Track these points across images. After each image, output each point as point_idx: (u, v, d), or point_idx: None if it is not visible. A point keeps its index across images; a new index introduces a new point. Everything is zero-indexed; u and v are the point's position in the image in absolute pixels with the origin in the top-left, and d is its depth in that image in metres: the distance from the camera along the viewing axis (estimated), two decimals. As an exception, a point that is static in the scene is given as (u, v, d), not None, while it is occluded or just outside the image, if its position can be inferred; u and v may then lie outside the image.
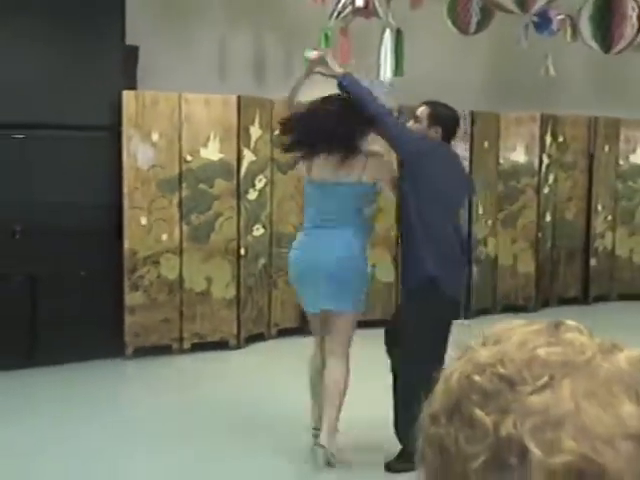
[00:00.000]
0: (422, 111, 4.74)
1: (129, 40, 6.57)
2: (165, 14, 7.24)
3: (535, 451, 0.67)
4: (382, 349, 4.72)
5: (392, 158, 4.94)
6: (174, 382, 6.25)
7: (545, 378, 0.70)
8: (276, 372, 6.49)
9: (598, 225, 9.31)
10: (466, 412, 0.71)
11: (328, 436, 4.50)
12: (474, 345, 0.78)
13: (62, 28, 6.31)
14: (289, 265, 4.76)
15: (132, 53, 6.67)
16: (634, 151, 9.47)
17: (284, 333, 7.49)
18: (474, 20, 6.01)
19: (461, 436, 0.71)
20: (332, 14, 6.13)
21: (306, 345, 7.23)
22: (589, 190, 9.20)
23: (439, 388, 0.77)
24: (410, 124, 4.74)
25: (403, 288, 4.91)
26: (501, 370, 0.72)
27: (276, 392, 5.92)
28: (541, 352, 0.72)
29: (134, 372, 6.59)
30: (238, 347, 7.07)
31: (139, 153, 6.55)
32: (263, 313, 7.34)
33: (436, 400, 0.76)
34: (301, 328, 7.56)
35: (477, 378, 0.72)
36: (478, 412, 0.70)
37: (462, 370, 0.75)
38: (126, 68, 6.56)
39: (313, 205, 4.67)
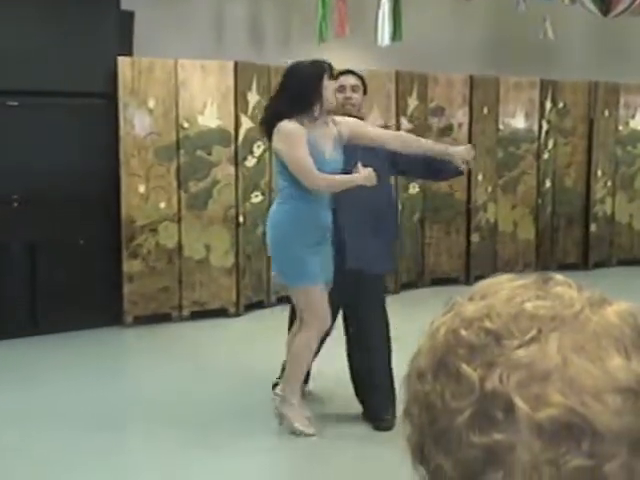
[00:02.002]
0: (356, 82, 4.82)
1: (124, 5, 6.49)
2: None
3: (521, 405, 0.67)
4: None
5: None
6: (174, 350, 6.24)
7: (533, 332, 0.69)
8: (275, 339, 6.48)
9: (598, 191, 9.28)
10: (452, 367, 0.71)
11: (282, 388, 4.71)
12: (460, 300, 0.77)
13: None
14: None
15: (127, 19, 6.60)
16: (634, 116, 9.42)
17: (283, 301, 7.47)
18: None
19: (447, 391, 0.71)
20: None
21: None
22: (589, 156, 9.16)
23: (425, 344, 0.76)
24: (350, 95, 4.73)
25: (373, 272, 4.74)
26: (488, 324, 0.71)
27: (275, 359, 5.92)
28: (529, 306, 0.72)
29: (133, 340, 6.58)
30: (237, 315, 7.07)
31: (136, 120, 6.50)
32: (262, 280, 7.33)
33: (422, 356, 0.75)
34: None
35: (464, 332, 0.72)
36: (464, 367, 0.70)
37: (449, 325, 0.74)
38: (121, 34, 6.49)
39: None
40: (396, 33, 6.25)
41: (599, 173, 9.25)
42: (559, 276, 0.77)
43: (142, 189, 6.57)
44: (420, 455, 0.75)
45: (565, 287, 0.74)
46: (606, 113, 9.19)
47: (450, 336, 0.73)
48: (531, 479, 0.67)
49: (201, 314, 6.93)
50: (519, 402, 0.67)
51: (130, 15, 6.64)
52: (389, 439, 4.30)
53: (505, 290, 0.74)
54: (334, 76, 4.43)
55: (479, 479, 0.69)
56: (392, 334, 4.77)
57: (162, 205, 6.67)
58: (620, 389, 0.67)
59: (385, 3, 6.09)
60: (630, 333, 0.70)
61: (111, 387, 5.45)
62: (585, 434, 0.66)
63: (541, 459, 0.67)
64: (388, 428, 4.48)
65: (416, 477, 0.76)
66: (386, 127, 6.82)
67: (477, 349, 0.70)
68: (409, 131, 7.71)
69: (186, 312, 6.88)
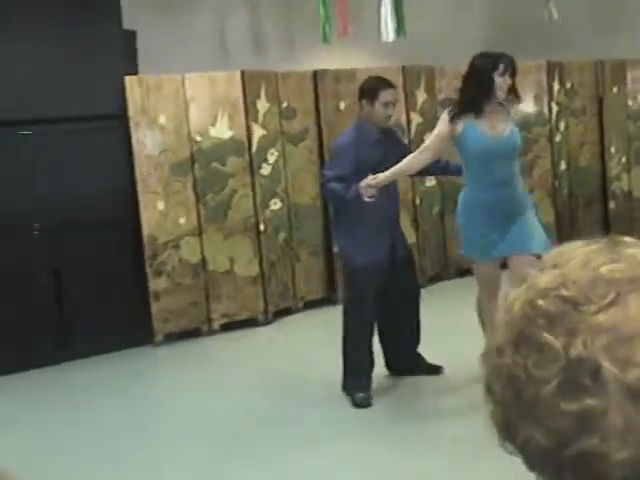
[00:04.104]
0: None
1: (126, 25, 6.50)
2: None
3: (610, 368, 0.67)
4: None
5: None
6: (207, 365, 6.23)
7: (611, 295, 0.69)
8: (306, 344, 6.49)
9: (613, 168, 9.23)
10: (533, 338, 0.71)
11: None
12: (532, 273, 0.76)
13: (59, 20, 6.24)
14: None
15: (130, 38, 6.61)
16: (642, 91, 9.37)
17: (310, 305, 7.47)
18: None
19: (530, 362, 0.70)
20: (329, -22, 6.05)
21: (334, 315, 7.26)
22: (601, 134, 9.11)
23: (501, 319, 0.76)
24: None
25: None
26: (564, 292, 0.71)
27: (309, 365, 5.91)
28: (604, 270, 0.71)
29: (165, 358, 6.57)
30: (267, 323, 7.07)
31: (148, 139, 6.51)
32: (288, 287, 7.32)
33: (499, 331, 0.75)
34: (327, 299, 7.57)
35: (541, 302, 0.72)
36: (546, 336, 0.70)
37: (525, 297, 0.74)
38: (126, 54, 6.50)
39: None
40: (400, 28, 6.22)
41: (613, 150, 9.20)
42: (629, 238, 0.77)
43: (161, 206, 6.57)
44: (506, 431, 0.74)
45: (637, 248, 0.74)
46: (614, 90, 9.14)
47: (527, 308, 0.73)
48: (627, 441, 0.66)
49: (231, 325, 6.92)
50: (607, 365, 0.67)
51: (132, 34, 6.65)
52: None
53: (578, 257, 0.74)
54: None
55: (574, 446, 0.68)
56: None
57: (182, 220, 6.67)
58: None
59: (387, -1, 6.07)
60: None
61: (147, 407, 5.44)
62: None
63: (636, 420, 0.66)
64: None
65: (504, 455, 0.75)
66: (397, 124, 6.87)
67: (556, 318, 0.70)
68: (420, 124, 7.71)
69: (216, 325, 6.88)
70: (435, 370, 5.34)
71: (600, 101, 9.05)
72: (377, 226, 4.93)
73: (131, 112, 6.42)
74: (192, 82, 6.67)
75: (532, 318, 0.72)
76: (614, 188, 9.24)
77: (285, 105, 7.20)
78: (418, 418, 4.81)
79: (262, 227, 6.98)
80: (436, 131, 4.75)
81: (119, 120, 6.42)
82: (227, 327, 6.91)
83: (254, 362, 6.13)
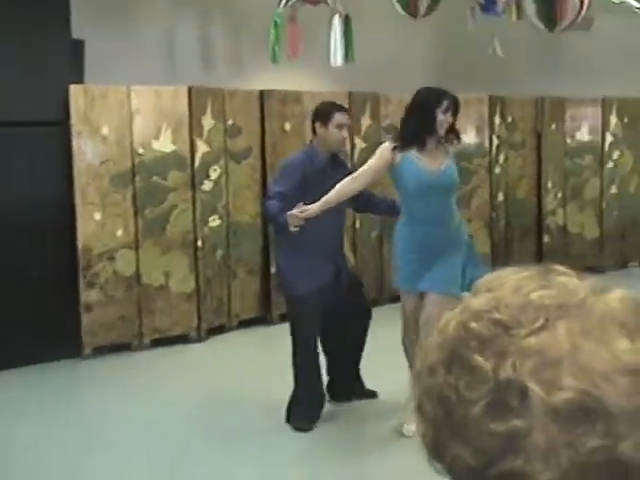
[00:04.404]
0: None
1: (75, 34, 6.44)
2: (111, 6, 7.10)
3: (536, 390, 0.69)
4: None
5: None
6: (135, 380, 6.16)
7: (541, 321, 0.72)
8: (239, 363, 6.46)
9: (549, 202, 9.43)
10: (465, 359, 0.73)
11: None
12: (466, 296, 0.79)
13: (7, 23, 6.15)
14: None
15: (78, 47, 6.54)
16: (579, 129, 9.60)
17: (245, 324, 7.45)
18: (424, 3, 6.02)
19: (461, 383, 0.72)
20: (281, 1, 6.08)
21: (268, 334, 7.27)
22: (539, 168, 9.31)
23: (435, 340, 0.78)
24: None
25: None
26: (496, 315, 0.73)
27: (240, 383, 5.89)
28: (535, 296, 0.74)
29: (93, 372, 6.44)
30: (199, 340, 7.02)
31: (89, 148, 6.44)
32: (223, 304, 7.29)
33: (432, 352, 0.77)
34: (262, 318, 7.56)
35: (473, 324, 0.74)
36: (477, 357, 0.72)
37: (458, 319, 0.76)
38: (73, 62, 6.43)
39: None
40: (348, 54, 6.27)
41: (549, 185, 9.40)
42: (560, 267, 0.80)
43: (98, 217, 6.49)
44: (435, 450, 0.76)
45: (567, 277, 0.77)
46: (553, 126, 9.36)
47: (460, 329, 0.75)
48: (550, 463, 0.69)
49: (162, 341, 6.86)
50: (534, 387, 0.69)
51: (81, 43, 6.59)
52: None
53: (510, 282, 0.77)
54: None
55: (499, 466, 0.70)
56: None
57: (119, 232, 6.60)
58: (628, 370, 0.70)
59: (337, 24, 6.12)
60: (633, 317, 0.73)
61: (70, 421, 5.35)
62: (599, 415, 0.68)
63: (558, 442, 0.69)
64: None
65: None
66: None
67: (488, 340, 0.72)
68: (364, 149, 7.77)
69: (147, 340, 6.80)
70: (371, 394, 5.37)
71: (539, 136, 9.26)
72: (320, 252, 4.91)
73: (73, 120, 6.35)
74: (138, 94, 6.62)
75: (464, 340, 0.74)
76: (549, 222, 9.43)
77: (230, 123, 7.19)
78: (356, 444, 4.84)
79: (200, 243, 6.95)
80: (372, 161, 4.73)
81: (61, 128, 6.34)
82: (158, 343, 6.85)
83: (183, 379, 6.08)
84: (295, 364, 5.00)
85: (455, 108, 4.66)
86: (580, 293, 0.74)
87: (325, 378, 5.24)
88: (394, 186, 4.81)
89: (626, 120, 9.84)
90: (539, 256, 9.31)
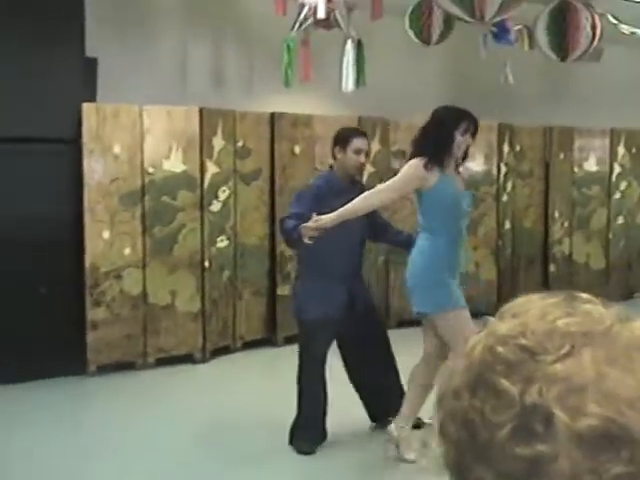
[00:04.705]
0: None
1: (88, 52, 6.48)
2: (125, 25, 7.16)
3: (561, 416, 0.70)
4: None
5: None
6: (139, 399, 6.14)
7: (566, 347, 0.73)
8: (242, 384, 6.45)
9: (555, 231, 9.43)
10: (491, 383, 0.74)
11: None
12: (492, 321, 0.80)
13: (21, 40, 6.19)
14: None
15: (91, 65, 6.58)
16: (587, 159, 9.63)
17: (249, 345, 7.44)
18: (437, 31, 6.06)
19: (487, 407, 0.73)
20: (294, 25, 6.12)
21: (273, 356, 7.26)
22: (546, 197, 9.33)
23: (460, 364, 0.79)
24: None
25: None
26: (523, 341, 0.74)
27: (243, 404, 5.88)
28: (561, 323, 0.75)
29: (97, 389, 6.45)
30: (204, 361, 7.01)
31: (100, 166, 6.47)
32: (228, 325, 7.28)
33: (457, 375, 0.78)
34: (267, 339, 7.55)
35: (500, 349, 0.75)
36: (503, 382, 0.73)
37: (484, 343, 0.77)
38: (86, 80, 6.47)
39: None
40: (360, 79, 6.31)
41: (556, 214, 9.41)
42: (584, 294, 0.80)
43: (106, 235, 6.51)
44: (458, 472, 0.77)
45: (592, 304, 0.78)
46: (561, 156, 9.38)
47: (487, 353, 0.76)
48: None
49: (167, 361, 6.85)
50: (559, 413, 0.70)
51: (94, 61, 6.63)
52: None
53: (536, 308, 0.78)
54: None
55: None
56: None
57: (127, 251, 6.61)
58: None
59: (350, 50, 6.16)
60: None
61: (74, 438, 5.34)
62: (624, 442, 0.69)
63: (582, 468, 0.69)
64: None
65: None
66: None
67: (514, 365, 0.73)
68: (372, 174, 7.79)
69: (151, 359, 6.80)
70: (417, 424, 5.06)
71: (547, 166, 9.28)
72: (333, 277, 4.87)
73: (85, 138, 6.38)
74: (150, 114, 6.66)
75: (491, 364, 0.75)
76: (555, 251, 9.43)
77: (241, 144, 7.23)
78: (359, 468, 4.82)
79: (207, 264, 6.96)
80: (402, 178, 4.53)
81: (72, 145, 6.37)
82: (163, 362, 6.84)
83: (186, 398, 6.07)
84: (300, 387, 4.99)
85: (475, 130, 4.57)
86: (606, 321, 0.75)
87: (360, 407, 5.24)
88: (422, 206, 4.61)
89: (634, 151, 9.88)
90: (545, 285, 9.30)
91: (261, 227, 7.43)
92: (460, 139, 4.50)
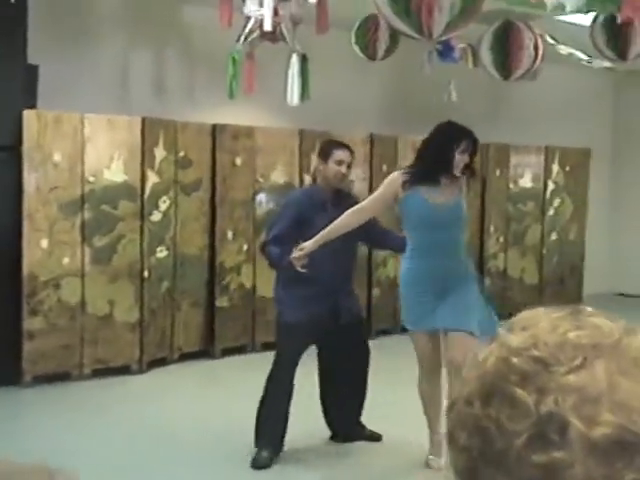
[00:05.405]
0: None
1: (30, 59, 6.39)
2: (67, 33, 7.08)
3: (577, 425, 0.73)
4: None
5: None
6: (74, 409, 6.05)
7: (579, 359, 0.76)
8: (179, 396, 6.41)
9: (491, 246, 9.60)
10: (507, 392, 0.76)
11: None
12: (500, 333, 0.83)
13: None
14: None
15: (32, 72, 6.49)
16: (522, 175, 9.83)
17: (187, 357, 7.40)
18: (383, 47, 6.13)
19: (502, 415, 0.76)
20: (239, 37, 6.12)
21: (210, 368, 7.24)
22: (482, 213, 9.48)
23: (471, 374, 0.82)
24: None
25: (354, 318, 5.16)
26: (536, 353, 0.77)
27: (179, 417, 5.85)
28: (572, 335, 0.78)
29: (32, 400, 6.33)
30: (140, 372, 6.95)
31: (40, 174, 6.38)
32: (166, 336, 7.23)
33: (469, 385, 0.81)
34: (204, 351, 7.52)
35: (515, 360, 0.78)
36: (519, 391, 0.76)
37: (497, 355, 0.80)
38: (27, 87, 6.38)
39: None
40: (304, 93, 6.34)
41: (492, 229, 9.58)
42: (588, 308, 0.84)
43: (45, 244, 6.42)
44: (468, 478, 0.79)
45: (599, 317, 0.81)
46: (497, 172, 9.56)
47: (501, 364, 0.78)
48: None
49: (103, 372, 6.77)
50: (575, 422, 0.73)
51: (35, 68, 6.54)
52: None
53: (545, 321, 0.81)
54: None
55: None
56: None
57: (66, 260, 6.52)
58: None
59: (295, 63, 6.18)
60: None
61: (5, 448, 5.22)
62: (637, 449, 0.72)
63: (597, 475, 0.72)
64: None
65: None
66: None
67: (529, 375, 0.76)
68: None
69: (87, 370, 6.71)
70: (375, 438, 5.26)
71: (483, 181, 9.43)
72: (317, 286, 4.84)
73: (25, 146, 6.29)
74: (91, 122, 6.59)
75: (505, 374, 0.77)
76: (490, 266, 9.59)
77: (182, 155, 7.20)
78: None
79: (146, 274, 6.91)
80: (379, 192, 4.69)
81: (13, 152, 6.27)
82: (99, 373, 6.76)
83: (123, 410, 6.00)
84: (266, 389, 4.94)
85: (474, 149, 4.60)
86: (615, 334, 0.78)
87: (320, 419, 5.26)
88: (402, 219, 4.76)
89: (567, 169, 10.12)
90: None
91: (201, 238, 7.41)
92: (459, 157, 4.53)
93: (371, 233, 5.10)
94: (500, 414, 0.76)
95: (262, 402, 4.97)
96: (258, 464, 4.87)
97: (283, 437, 4.99)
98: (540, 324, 0.81)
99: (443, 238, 4.58)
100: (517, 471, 0.75)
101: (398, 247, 5.00)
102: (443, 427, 4.63)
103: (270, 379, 4.95)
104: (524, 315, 0.84)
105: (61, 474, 0.72)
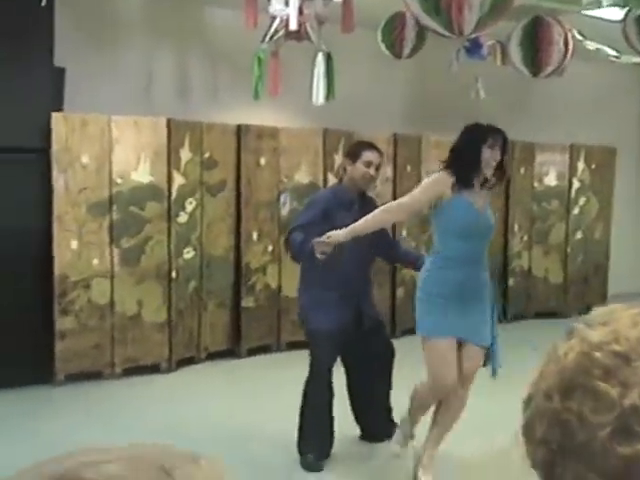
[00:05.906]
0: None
1: (56, 61, 6.47)
2: (92, 37, 7.17)
3: None
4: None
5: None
6: (106, 408, 6.12)
7: None
8: (207, 395, 6.46)
9: (515, 245, 9.58)
10: (589, 386, 0.79)
11: None
12: (580, 328, 0.85)
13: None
14: None
15: (59, 75, 6.57)
16: (547, 174, 9.80)
17: (214, 356, 7.45)
18: (409, 45, 6.14)
19: (585, 409, 0.78)
20: (264, 37, 6.16)
21: (236, 367, 7.28)
22: (506, 211, 9.46)
23: (549, 368, 0.84)
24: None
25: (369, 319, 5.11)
26: (617, 347, 0.79)
27: (208, 415, 5.89)
28: None
29: (64, 399, 6.40)
30: (169, 371, 7.01)
31: (69, 176, 6.45)
32: (193, 336, 7.29)
33: (547, 378, 0.83)
34: (231, 350, 7.57)
35: (597, 354, 0.80)
36: (602, 385, 0.78)
37: (578, 349, 0.82)
38: (54, 90, 6.46)
39: None
40: (330, 92, 6.37)
41: (516, 228, 9.57)
42: None
43: (75, 245, 6.49)
44: (547, 470, 0.82)
45: None
46: (522, 171, 9.54)
47: (582, 359, 0.81)
48: None
49: (133, 371, 6.84)
50: None
51: (62, 71, 6.62)
52: None
53: (626, 317, 0.83)
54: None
55: None
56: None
57: (95, 261, 6.60)
58: None
59: (320, 63, 6.21)
60: None
61: (40, 447, 5.28)
62: None
63: None
64: None
65: None
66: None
67: (611, 370, 0.78)
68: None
69: (118, 369, 6.79)
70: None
71: (508, 180, 9.40)
72: (341, 293, 4.85)
73: (54, 148, 6.37)
74: (118, 124, 6.66)
75: (588, 368, 0.79)
76: (514, 265, 9.57)
77: (207, 156, 7.26)
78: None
79: (174, 274, 6.97)
80: (421, 192, 4.38)
81: (42, 155, 6.35)
82: (130, 372, 6.83)
83: (153, 408, 6.06)
84: (304, 394, 4.92)
85: (503, 145, 4.37)
86: None
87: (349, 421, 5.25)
88: (434, 224, 4.46)
89: (593, 167, 10.07)
90: (504, 298, 9.43)
91: (227, 239, 7.47)
92: (487, 154, 4.30)
93: (386, 245, 5.08)
94: (582, 407, 0.78)
95: (302, 411, 4.94)
96: (309, 468, 4.89)
97: (331, 443, 5.00)
98: (621, 320, 0.82)
99: (481, 246, 4.40)
100: (601, 462, 0.76)
101: (413, 264, 4.95)
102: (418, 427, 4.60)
103: (308, 387, 4.92)
104: (601, 311, 0.86)
105: (204, 458, 0.76)
